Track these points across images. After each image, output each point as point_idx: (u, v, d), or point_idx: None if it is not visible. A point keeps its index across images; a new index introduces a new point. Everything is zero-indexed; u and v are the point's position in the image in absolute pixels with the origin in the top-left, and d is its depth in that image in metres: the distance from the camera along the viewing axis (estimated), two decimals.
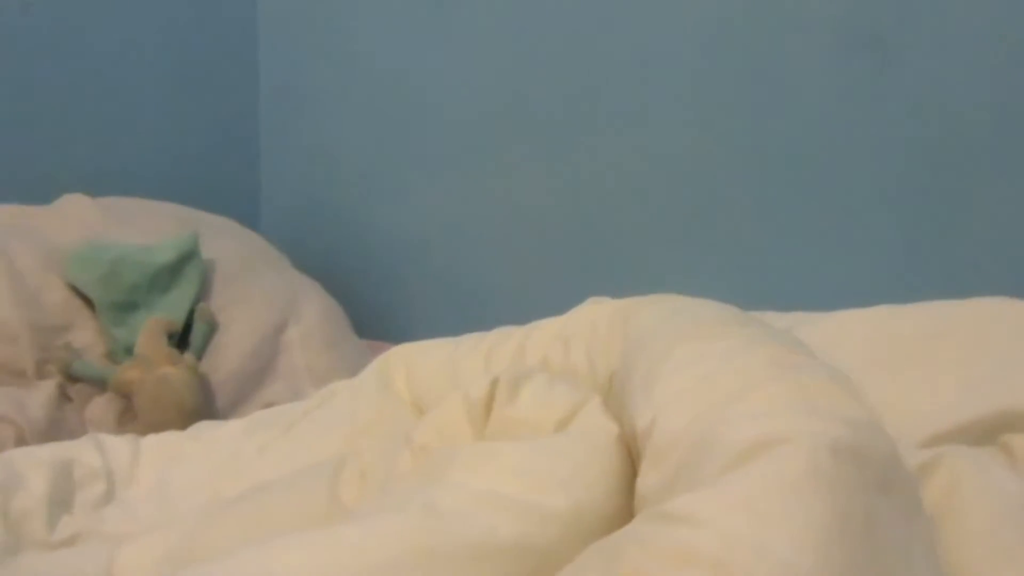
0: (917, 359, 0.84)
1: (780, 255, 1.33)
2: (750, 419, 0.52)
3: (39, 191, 1.54)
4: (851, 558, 0.45)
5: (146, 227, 1.52)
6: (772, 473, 0.47)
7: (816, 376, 0.56)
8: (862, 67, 1.23)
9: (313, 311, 1.53)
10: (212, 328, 1.41)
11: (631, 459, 0.65)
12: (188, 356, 1.33)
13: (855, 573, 0.45)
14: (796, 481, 0.46)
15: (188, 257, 1.42)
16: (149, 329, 1.32)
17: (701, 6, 1.37)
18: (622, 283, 1.03)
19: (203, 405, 1.30)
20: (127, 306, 1.36)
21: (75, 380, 1.28)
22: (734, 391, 0.56)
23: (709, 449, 0.52)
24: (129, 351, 1.31)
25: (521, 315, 1.08)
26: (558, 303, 1.02)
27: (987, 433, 0.74)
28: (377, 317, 1.78)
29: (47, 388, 1.25)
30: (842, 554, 0.45)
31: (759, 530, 0.44)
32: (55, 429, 1.21)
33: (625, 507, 0.60)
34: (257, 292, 1.50)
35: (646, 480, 0.57)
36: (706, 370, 0.61)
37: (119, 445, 0.98)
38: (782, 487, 0.46)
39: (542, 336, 0.94)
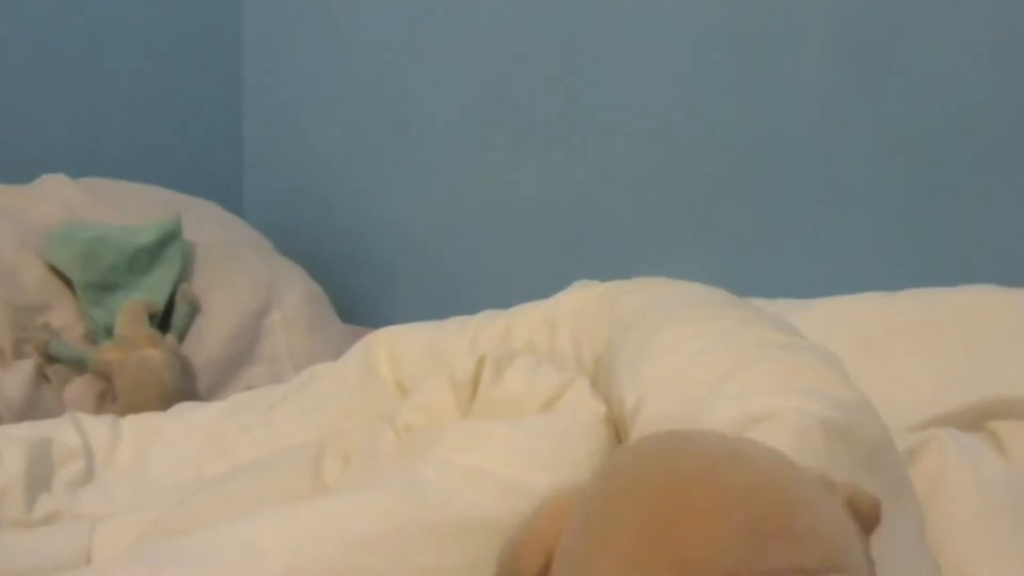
0: (906, 346, 0.85)
1: (770, 249, 1.33)
2: (739, 398, 0.52)
3: (19, 172, 1.52)
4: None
5: (127, 209, 1.50)
6: None
7: (806, 357, 0.56)
8: (855, 64, 1.23)
9: (296, 296, 1.52)
10: (194, 310, 1.39)
11: (618, 440, 0.64)
12: (169, 338, 1.32)
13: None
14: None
15: (170, 238, 1.41)
16: (129, 310, 1.30)
17: (699, 6, 1.37)
18: (610, 274, 1.02)
19: (184, 387, 1.28)
20: (106, 287, 1.34)
21: (53, 361, 1.26)
22: (723, 371, 0.56)
23: (697, 426, 0.51)
24: (108, 332, 1.30)
25: (506, 303, 1.07)
26: (545, 293, 1.02)
27: (974, 420, 0.75)
28: (360, 303, 1.77)
29: (24, 368, 1.23)
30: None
31: None
32: (33, 410, 1.20)
33: None
34: (239, 276, 1.49)
35: None
36: (694, 350, 0.61)
37: (98, 425, 0.97)
38: None
39: (528, 319, 0.94)
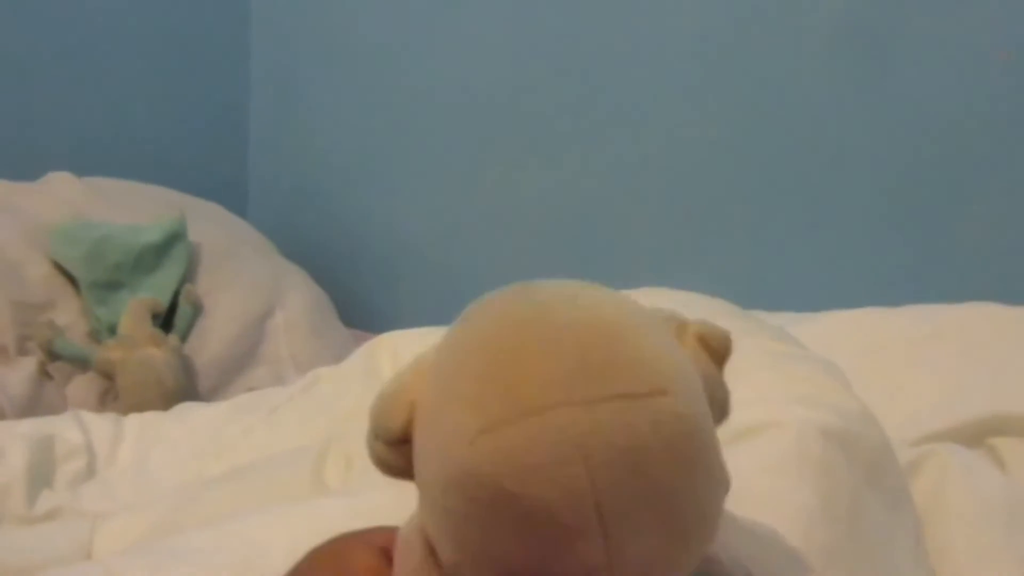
0: (907, 361, 0.85)
1: (774, 257, 1.33)
2: (740, 405, 0.52)
3: (25, 169, 1.53)
4: (834, 541, 0.45)
5: (132, 208, 1.50)
6: (761, 454, 0.47)
7: (807, 366, 0.57)
8: (860, 71, 1.23)
9: (299, 299, 1.52)
10: (197, 311, 1.40)
11: None
12: (172, 338, 1.32)
13: (837, 555, 0.45)
14: (784, 463, 0.46)
15: (175, 238, 1.41)
16: (133, 309, 1.30)
17: (700, 7, 1.37)
18: (613, 281, 1.02)
19: (185, 387, 1.29)
20: (111, 285, 1.34)
21: (56, 358, 1.27)
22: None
23: None
24: (112, 330, 1.30)
25: None
26: None
27: (975, 436, 0.75)
28: (363, 306, 1.77)
29: (28, 365, 1.24)
30: (824, 536, 0.45)
31: (744, 508, 0.44)
32: (35, 407, 1.20)
33: None
34: (243, 277, 1.49)
35: None
36: None
37: (101, 423, 0.97)
38: (770, 468, 0.46)
39: None
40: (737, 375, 0.56)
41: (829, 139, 1.27)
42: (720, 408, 0.36)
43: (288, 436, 0.94)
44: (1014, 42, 1.11)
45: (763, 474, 0.46)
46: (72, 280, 1.34)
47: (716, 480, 0.33)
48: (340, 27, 1.85)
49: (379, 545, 0.37)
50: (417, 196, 1.75)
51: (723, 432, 0.50)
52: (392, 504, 0.55)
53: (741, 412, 0.51)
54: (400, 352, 1.09)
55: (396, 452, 0.34)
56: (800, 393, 0.52)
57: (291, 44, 1.95)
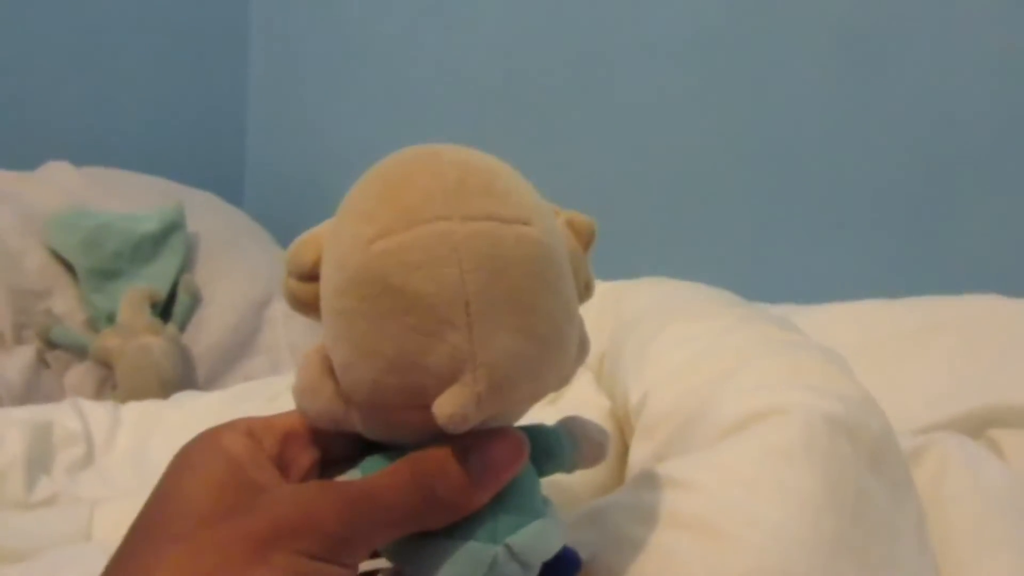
0: (906, 353, 0.85)
1: (773, 253, 1.34)
2: (744, 393, 0.52)
3: (24, 158, 1.53)
4: (840, 530, 0.45)
5: (129, 198, 1.50)
6: (765, 442, 0.47)
7: (810, 354, 0.56)
8: (858, 69, 1.24)
9: None
10: (195, 300, 1.39)
11: (622, 435, 0.65)
12: (170, 327, 1.32)
13: (843, 545, 0.45)
14: (789, 450, 0.46)
15: (173, 227, 1.41)
16: (131, 298, 1.30)
17: (701, 6, 1.37)
18: (612, 270, 1.02)
19: (183, 376, 1.29)
20: (109, 274, 1.34)
21: (54, 346, 1.27)
22: (728, 367, 0.56)
23: (701, 421, 0.52)
24: (110, 319, 1.30)
25: None
26: None
27: (975, 427, 0.75)
28: None
29: (25, 353, 1.24)
30: (832, 525, 0.45)
31: (750, 496, 0.44)
32: (32, 395, 1.20)
33: (615, 481, 0.60)
34: (241, 267, 1.49)
35: (637, 453, 0.57)
36: (699, 347, 0.61)
37: (99, 410, 0.97)
38: (775, 455, 0.46)
39: None
40: (741, 363, 0.56)
41: (829, 134, 1.27)
42: (584, 285, 0.41)
43: None
44: (1012, 44, 1.12)
45: (769, 461, 0.46)
46: (70, 268, 1.34)
47: (568, 308, 0.37)
48: (339, 17, 1.85)
49: (243, 428, 0.39)
50: None
51: (728, 420, 0.50)
52: None
53: (745, 399, 0.51)
54: None
55: (306, 288, 0.38)
56: (804, 380, 0.52)
57: (290, 34, 1.95)
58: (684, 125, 1.41)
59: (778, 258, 1.33)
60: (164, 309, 1.36)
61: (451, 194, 0.35)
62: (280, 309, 1.46)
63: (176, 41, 1.87)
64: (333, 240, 0.37)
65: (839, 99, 1.26)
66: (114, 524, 0.71)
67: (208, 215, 1.56)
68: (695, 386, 0.56)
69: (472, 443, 0.36)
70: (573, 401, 0.68)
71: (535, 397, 0.38)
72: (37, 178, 1.48)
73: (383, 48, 1.78)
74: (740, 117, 1.35)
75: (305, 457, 0.39)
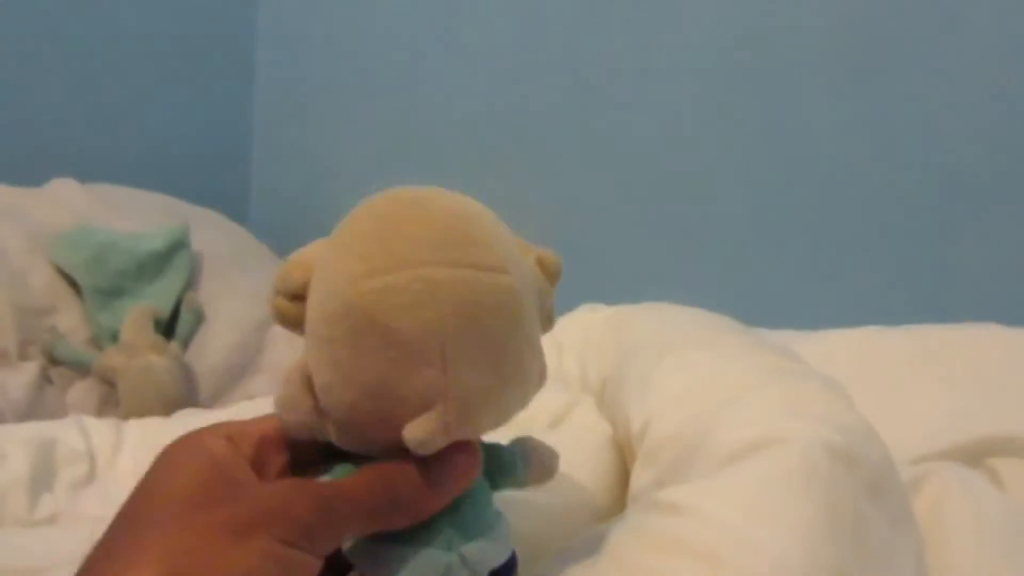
0: (905, 382, 0.85)
1: (772, 274, 1.34)
2: (744, 421, 0.53)
3: (29, 175, 1.53)
4: (840, 559, 0.45)
5: (134, 216, 1.51)
6: (766, 470, 0.47)
7: (811, 383, 0.57)
8: (861, 90, 1.24)
9: None
10: (199, 318, 1.40)
11: (623, 462, 0.65)
12: (173, 345, 1.32)
13: (843, 574, 0.45)
14: (790, 478, 0.47)
15: (178, 246, 1.42)
16: (135, 316, 1.31)
17: (700, 23, 1.38)
18: (614, 294, 1.03)
19: (186, 395, 1.29)
20: (113, 292, 1.35)
21: (57, 363, 1.27)
22: (729, 395, 0.57)
23: (703, 448, 0.52)
24: (114, 337, 1.30)
25: None
26: None
27: (974, 456, 0.75)
28: None
29: (29, 370, 1.24)
30: (831, 554, 0.45)
31: (750, 524, 0.45)
32: (35, 412, 1.20)
33: (616, 506, 0.60)
34: (245, 286, 1.50)
35: (638, 480, 0.57)
36: (701, 375, 0.62)
37: (102, 428, 0.97)
38: (776, 483, 0.47)
39: None
40: (742, 391, 0.57)
41: (830, 158, 1.28)
42: (547, 317, 0.46)
43: None
44: (1013, 57, 1.12)
45: (769, 490, 0.47)
46: (75, 286, 1.35)
47: (532, 345, 0.42)
48: (345, 38, 1.86)
49: (223, 431, 0.42)
50: None
51: (729, 448, 0.51)
52: None
53: (746, 428, 0.52)
54: None
55: (293, 307, 0.42)
56: (805, 410, 0.52)
57: (296, 53, 1.96)
58: (685, 151, 1.42)
59: (779, 284, 1.34)
60: (168, 327, 1.36)
61: (436, 242, 0.39)
62: (283, 329, 1.46)
63: (182, 59, 1.88)
64: (324, 270, 0.40)
65: (840, 128, 1.27)
66: None
67: (213, 233, 1.56)
68: (696, 413, 0.57)
69: (433, 455, 0.40)
70: (575, 426, 0.68)
71: (498, 424, 0.42)
72: (43, 195, 1.49)
73: (388, 71, 1.79)
74: (741, 143, 1.36)
75: (277, 460, 0.43)
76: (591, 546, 0.49)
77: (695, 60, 1.39)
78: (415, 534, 0.41)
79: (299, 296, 0.42)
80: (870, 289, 1.25)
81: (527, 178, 1.60)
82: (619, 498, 0.61)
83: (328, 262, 0.40)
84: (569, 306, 1.02)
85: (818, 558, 0.44)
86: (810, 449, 0.48)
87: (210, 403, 1.34)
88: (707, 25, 1.37)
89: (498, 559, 0.43)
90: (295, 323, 0.42)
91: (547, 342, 0.92)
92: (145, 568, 0.34)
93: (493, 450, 0.47)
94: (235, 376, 1.39)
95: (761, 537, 0.44)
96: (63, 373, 1.27)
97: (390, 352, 0.38)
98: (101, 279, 1.34)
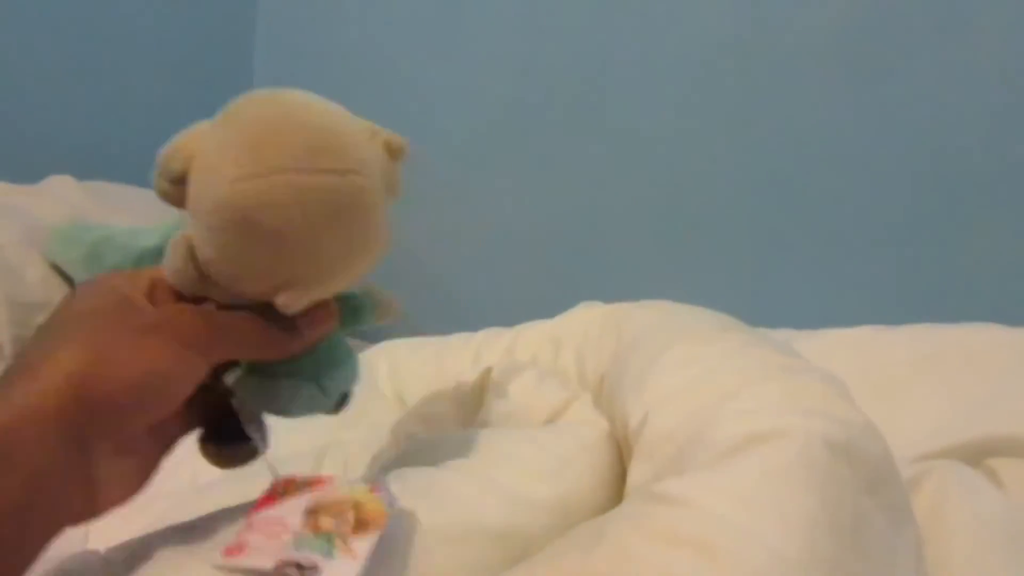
0: (905, 381, 0.85)
1: (774, 274, 1.34)
2: (744, 415, 0.52)
3: (26, 172, 1.53)
4: (838, 552, 0.45)
5: (131, 212, 1.50)
6: (764, 463, 0.47)
7: (811, 379, 0.57)
8: (863, 90, 1.24)
9: None
10: None
11: (621, 457, 0.64)
12: None
13: (840, 567, 0.44)
14: (788, 472, 0.46)
15: None
16: None
17: (701, 23, 1.38)
18: (614, 292, 1.03)
19: None
20: None
21: None
22: (729, 390, 0.56)
23: (702, 442, 0.52)
24: None
25: (509, 322, 1.07)
26: (548, 311, 1.02)
27: (973, 456, 0.75)
28: None
29: None
30: (829, 547, 0.44)
31: (749, 516, 0.44)
32: None
33: (614, 502, 0.60)
34: None
35: (636, 474, 0.56)
36: (700, 370, 0.61)
37: None
38: (774, 476, 0.46)
39: (532, 337, 0.94)
40: (742, 386, 0.56)
41: (831, 157, 1.28)
42: (391, 188, 0.52)
43: (284, 442, 0.94)
44: (1016, 59, 1.12)
45: (768, 483, 0.46)
46: (70, 281, 1.34)
47: (379, 225, 0.50)
48: (342, 38, 1.86)
49: (124, 275, 0.50)
50: (415, 207, 1.75)
51: (728, 442, 0.50)
52: None
53: (745, 422, 0.51)
54: (396, 361, 1.09)
55: (175, 189, 0.48)
56: (804, 404, 0.52)
57: (294, 52, 1.96)
58: (686, 148, 1.41)
59: (780, 283, 1.33)
60: None
61: (302, 151, 0.45)
62: None
63: (180, 55, 1.88)
64: (203, 166, 0.46)
65: (841, 127, 1.27)
66: (109, 541, 0.71)
67: None
68: (695, 408, 0.56)
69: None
70: (572, 422, 0.68)
71: (351, 286, 0.51)
72: (39, 191, 1.48)
73: (386, 68, 1.79)
74: (742, 141, 1.36)
75: (167, 299, 0.50)
76: (589, 537, 0.48)
77: (697, 57, 1.39)
78: (285, 369, 0.52)
79: (180, 181, 0.48)
80: (870, 288, 1.25)
81: (523, 174, 1.60)
82: (616, 494, 0.61)
83: (206, 158, 0.46)
84: (570, 303, 1.02)
85: (816, 551, 0.43)
86: (810, 443, 0.48)
87: None
88: (709, 22, 1.37)
89: (347, 386, 0.57)
90: (177, 203, 0.48)
91: (545, 339, 0.92)
92: (69, 354, 0.41)
93: (347, 298, 0.57)
94: None
95: (759, 530, 0.44)
96: None
97: (262, 243, 0.45)
98: (96, 275, 1.33)
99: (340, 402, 0.58)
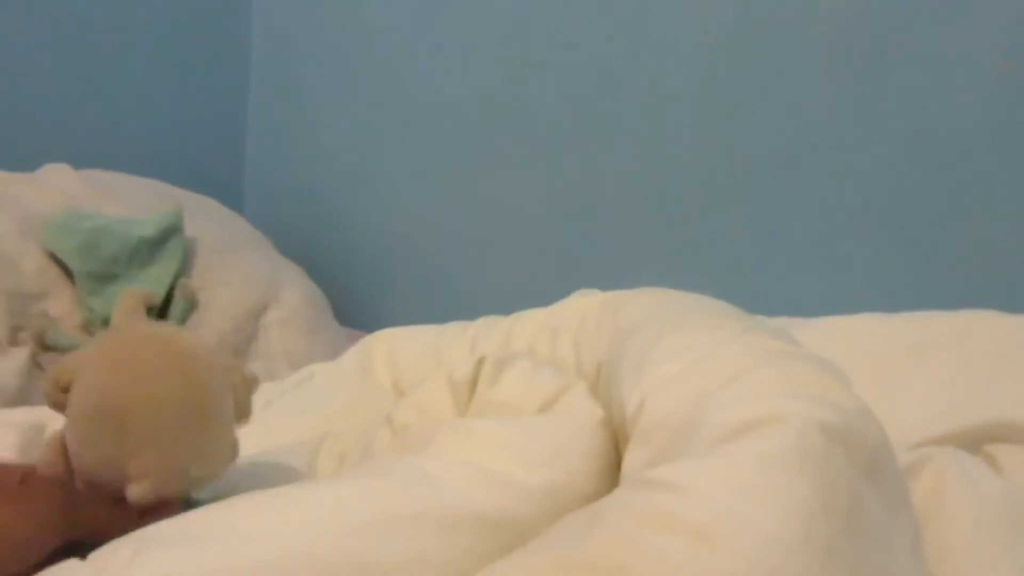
0: (904, 368, 0.85)
1: (772, 262, 1.33)
2: (740, 401, 0.52)
3: (22, 161, 1.52)
4: (833, 537, 0.44)
5: (128, 202, 1.50)
6: (760, 449, 0.47)
7: (808, 364, 0.56)
8: (860, 77, 1.23)
9: (294, 295, 1.51)
10: (192, 304, 1.39)
11: (616, 444, 0.64)
12: None
13: (836, 553, 0.44)
14: (784, 458, 0.46)
15: (171, 232, 1.40)
16: (125, 300, 1.29)
17: (700, 12, 1.37)
18: (612, 281, 1.02)
19: None
20: (105, 277, 1.34)
21: (48, 349, 1.26)
22: (725, 376, 0.56)
23: (698, 428, 0.51)
24: (106, 322, 1.29)
25: (505, 310, 1.07)
26: (545, 300, 1.01)
27: (972, 443, 0.74)
28: (357, 305, 1.76)
29: (19, 356, 1.23)
30: (825, 532, 0.44)
31: (744, 502, 0.44)
32: (26, 397, 1.19)
33: (608, 489, 0.59)
34: (238, 273, 1.48)
35: (632, 459, 0.56)
36: (697, 357, 0.61)
37: None
38: (770, 462, 0.46)
39: (528, 325, 0.93)
40: (739, 372, 0.56)
41: (829, 145, 1.27)
42: (241, 412, 0.67)
43: (282, 431, 0.94)
44: (1014, 50, 1.12)
45: (764, 468, 0.46)
46: (67, 271, 1.33)
47: (223, 438, 0.64)
48: (340, 25, 1.85)
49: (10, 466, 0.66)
50: (413, 196, 1.75)
51: (724, 428, 0.50)
52: (382, 492, 0.55)
53: (742, 407, 0.51)
54: (394, 349, 1.09)
55: (61, 397, 0.61)
56: (801, 390, 0.52)
57: (291, 41, 1.95)
58: (685, 137, 1.41)
59: (778, 270, 1.33)
60: (160, 313, 1.35)
61: (164, 371, 0.62)
62: (276, 316, 1.45)
63: (177, 45, 1.87)
64: (83, 378, 0.60)
65: (840, 115, 1.26)
66: None
67: (207, 220, 1.55)
68: (692, 394, 0.56)
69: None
70: (566, 410, 0.68)
71: (198, 483, 0.64)
72: (36, 180, 1.48)
73: (383, 58, 1.78)
74: (741, 130, 1.35)
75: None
76: (585, 522, 0.48)
77: (696, 47, 1.38)
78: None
79: (65, 391, 0.61)
80: (870, 276, 1.24)
81: (521, 163, 1.59)
82: (610, 481, 0.60)
83: (87, 374, 0.61)
84: (567, 291, 1.02)
85: (811, 537, 0.43)
86: (806, 429, 0.47)
87: None
88: (708, 13, 1.36)
89: None
90: (60, 408, 0.62)
91: (541, 328, 0.91)
92: None
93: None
94: None
95: (754, 515, 0.43)
96: (54, 359, 1.26)
97: (122, 439, 0.58)
98: (93, 264, 1.32)
99: None
